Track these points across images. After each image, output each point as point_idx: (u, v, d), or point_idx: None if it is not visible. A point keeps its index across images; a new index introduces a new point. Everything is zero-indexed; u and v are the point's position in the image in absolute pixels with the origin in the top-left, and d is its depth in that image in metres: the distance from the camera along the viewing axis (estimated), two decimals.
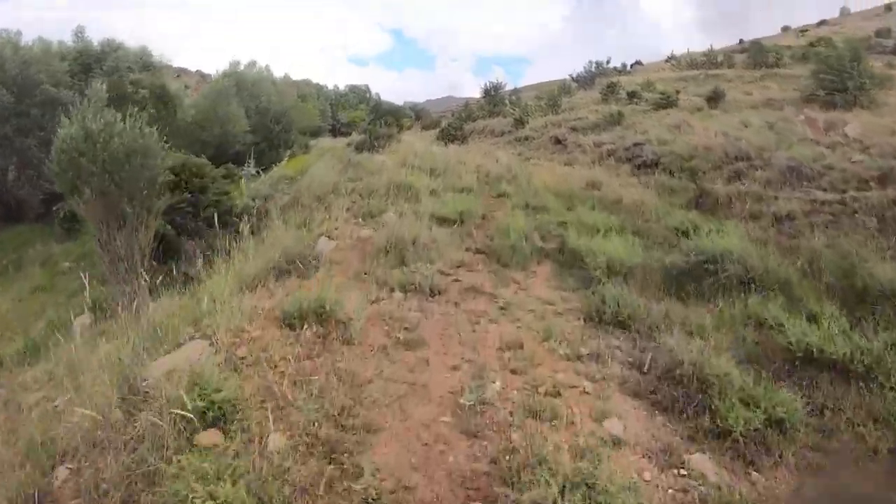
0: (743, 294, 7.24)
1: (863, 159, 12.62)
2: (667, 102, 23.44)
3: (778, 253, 8.65)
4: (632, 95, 26.85)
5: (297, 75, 60.50)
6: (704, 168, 13.55)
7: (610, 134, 20.61)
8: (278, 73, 57.80)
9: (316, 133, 45.78)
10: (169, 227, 13.96)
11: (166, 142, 12.61)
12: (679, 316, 6.85)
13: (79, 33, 30.09)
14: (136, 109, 24.96)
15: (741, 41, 51.96)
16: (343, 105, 60.86)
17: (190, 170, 14.62)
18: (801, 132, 14.46)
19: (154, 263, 12.18)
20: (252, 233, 12.14)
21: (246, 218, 13.39)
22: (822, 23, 55.71)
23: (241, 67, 32.89)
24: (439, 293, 7.36)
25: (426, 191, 11.54)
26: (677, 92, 25.17)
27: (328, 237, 9.31)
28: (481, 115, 37.53)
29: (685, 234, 9.42)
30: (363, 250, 8.63)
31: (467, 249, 8.91)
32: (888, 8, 54.02)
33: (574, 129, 23.20)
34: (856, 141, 13.88)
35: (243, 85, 30.46)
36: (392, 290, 7.36)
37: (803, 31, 53.52)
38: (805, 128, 14.73)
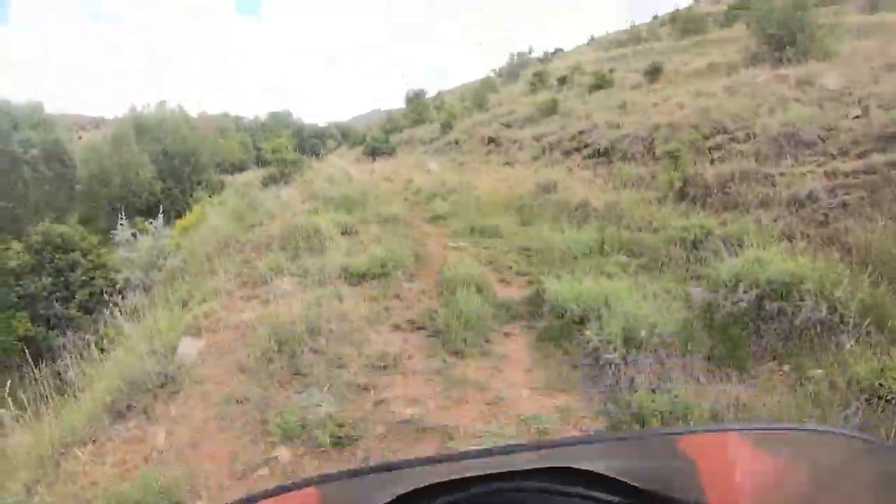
0: (832, 341, 4.41)
1: (860, 114, 10.20)
2: (602, 83, 20.92)
3: (822, 256, 5.86)
4: (562, 81, 24.37)
5: (214, 110, 56.13)
6: (674, 149, 10.83)
7: (548, 125, 17.88)
8: (193, 110, 53.78)
9: (241, 167, 42.20)
10: (30, 323, 10.52)
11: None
12: (758, 403, 3.93)
13: None
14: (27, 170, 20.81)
15: (655, 16, 50.78)
16: (265, 134, 56.87)
17: (53, 244, 11.12)
18: (777, 92, 11.95)
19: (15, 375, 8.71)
20: (135, 316, 9.07)
21: (129, 294, 10.11)
22: None
23: (140, 110, 29.08)
24: (350, 443, 3.92)
25: (338, 231, 8.40)
26: (610, 71, 22.71)
27: (196, 331, 6.08)
28: (406, 124, 34.66)
29: (695, 245, 6.58)
30: (242, 352, 5.41)
31: (396, 328, 5.72)
32: None
33: (506, 125, 20.43)
34: (843, 94, 11.47)
35: (145, 128, 26.70)
36: (273, 443, 4.15)
37: None
38: (780, 86, 12.22)
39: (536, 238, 7.71)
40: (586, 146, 14.02)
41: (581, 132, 14.87)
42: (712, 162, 9.91)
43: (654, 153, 11.63)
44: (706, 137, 10.75)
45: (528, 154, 16.04)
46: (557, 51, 47.64)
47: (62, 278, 11.17)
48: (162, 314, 7.27)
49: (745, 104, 11.91)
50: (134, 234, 11.63)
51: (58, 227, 11.81)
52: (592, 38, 47.10)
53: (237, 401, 4.71)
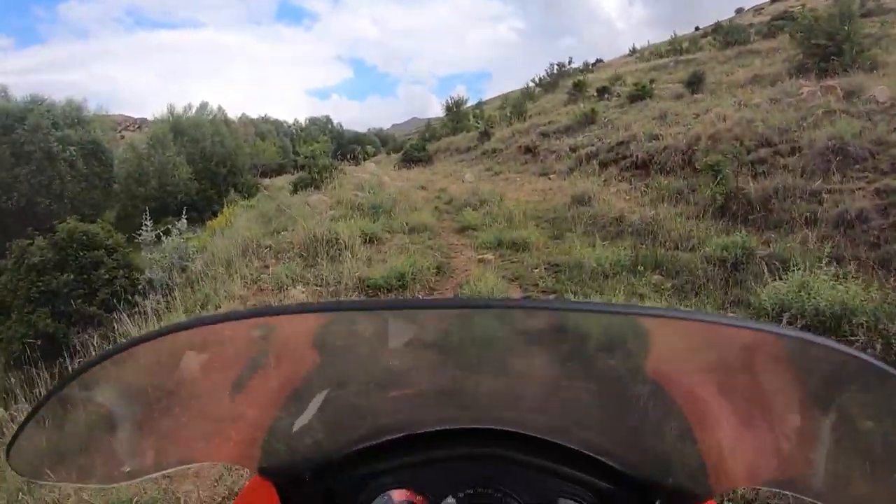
0: None
1: None
2: (642, 93, 20.30)
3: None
4: (602, 92, 23.77)
5: (256, 113, 56.97)
6: (715, 162, 10.29)
7: (586, 135, 17.41)
8: (234, 112, 54.66)
9: (279, 171, 42.66)
10: (49, 319, 10.51)
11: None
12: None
13: (1, 92, 26.62)
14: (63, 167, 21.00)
15: (697, 28, 49.50)
16: (304, 139, 57.44)
17: (79, 241, 11.15)
18: (824, 104, 11.27)
19: (30, 369, 8.73)
20: (158, 316, 8.98)
21: (154, 295, 10.07)
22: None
23: (179, 111, 29.45)
24: None
25: (361, 241, 8.15)
26: (651, 82, 22.08)
27: (203, 345, 5.93)
28: (445, 132, 34.44)
29: (735, 266, 6.10)
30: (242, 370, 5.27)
31: (408, 344, 5.08)
32: None
33: (544, 135, 19.95)
34: (894, 106, 10.76)
35: (182, 130, 27.01)
36: None
37: (759, 9, 51.27)
38: (828, 98, 11.53)
39: (567, 253, 7.30)
40: (624, 157, 13.52)
41: (620, 143, 14.36)
42: (755, 176, 9.35)
43: (693, 165, 11.09)
44: (749, 150, 10.17)
45: (565, 164, 15.59)
46: (598, 62, 46.87)
47: (85, 276, 11.06)
48: (174, 319, 7.16)
49: (789, 116, 11.26)
50: (158, 236, 11.51)
51: (83, 225, 11.74)
52: (633, 49, 46.12)
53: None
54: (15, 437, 0.73)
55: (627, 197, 11.02)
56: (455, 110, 36.26)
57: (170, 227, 11.02)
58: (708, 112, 14.03)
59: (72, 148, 24.16)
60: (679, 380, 0.80)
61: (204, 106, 35.02)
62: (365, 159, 50.27)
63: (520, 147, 20.38)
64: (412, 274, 6.51)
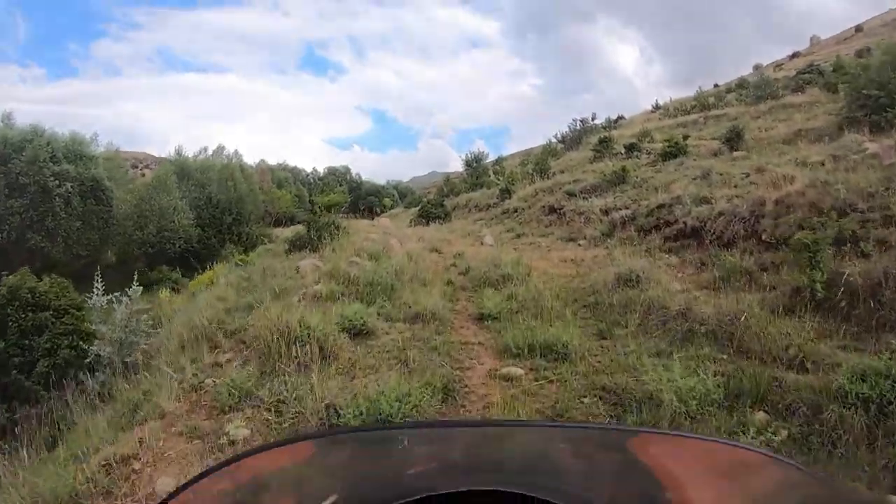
0: None
1: None
2: (675, 150, 18.53)
3: None
4: (630, 148, 22.03)
5: (275, 159, 56.27)
6: (790, 233, 8.31)
7: (618, 196, 15.60)
8: (253, 158, 53.98)
9: (294, 219, 41.51)
10: None
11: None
12: None
13: (4, 119, 25.39)
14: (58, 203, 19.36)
15: (716, 85, 48.24)
16: (322, 189, 56.46)
17: (23, 300, 9.36)
18: None
19: None
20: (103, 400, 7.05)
21: (102, 374, 8.25)
22: (795, 55, 52.31)
23: (191, 152, 28.26)
24: None
25: (346, 336, 6.26)
26: (684, 138, 20.32)
27: (108, 492, 4.02)
28: (464, 188, 32.94)
29: (882, 409, 4.09)
30: None
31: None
32: (858, 29, 50.73)
33: (570, 195, 18.17)
34: None
35: (189, 172, 25.59)
36: None
37: (779, 65, 50.07)
38: None
39: (624, 370, 5.31)
40: (668, 224, 11.59)
41: (660, 206, 12.47)
42: (843, 256, 7.34)
43: (759, 237, 9.15)
44: (831, 219, 8.18)
45: (596, 229, 13.72)
46: (620, 118, 45.50)
47: (26, 342, 9.27)
48: (99, 426, 5.36)
49: (869, 177, 9.33)
50: (112, 300, 9.56)
51: (30, 281, 9.97)
52: (657, 105, 44.86)
53: None
54: None
55: (680, 274, 9.06)
56: (475, 165, 34.85)
57: (125, 292, 9.13)
58: (761, 172, 12.15)
59: (69, 184, 22.78)
60: None
61: (221, 149, 34.10)
62: (382, 211, 49.09)
63: (543, 207, 18.60)
64: (404, 405, 4.51)
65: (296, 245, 12.76)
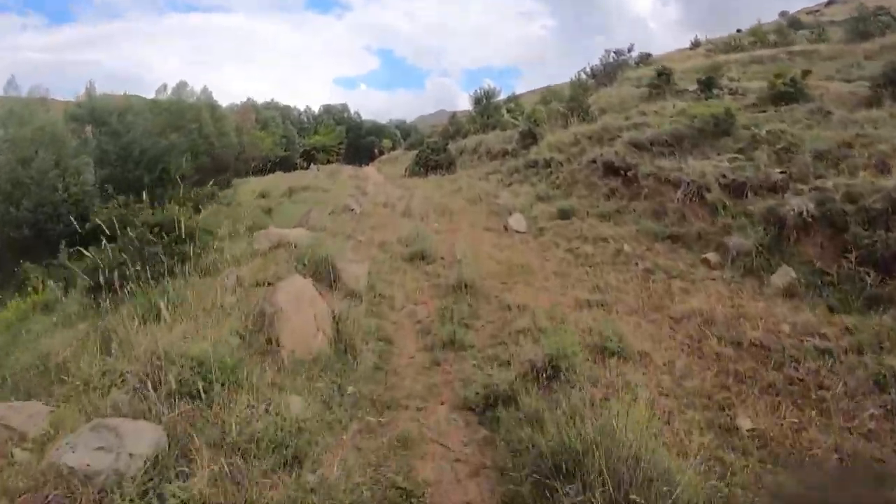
0: None
1: None
2: (794, 92, 12.27)
3: None
4: (706, 85, 15.64)
5: (264, 99, 48.75)
6: None
7: (733, 156, 9.53)
8: (262, 99, 46.40)
9: (282, 164, 35.05)
10: None
11: None
12: None
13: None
14: None
15: (739, 30, 40.84)
16: (316, 129, 49.25)
17: None
18: None
19: None
20: None
21: None
22: (830, 2, 44.58)
23: (123, 91, 21.10)
24: None
25: None
26: (804, 74, 13.81)
27: None
28: (472, 129, 26.46)
29: None
30: None
31: None
32: None
33: (636, 147, 11.98)
34: None
35: (99, 116, 18.43)
36: None
37: (812, 11, 42.59)
38: None
39: None
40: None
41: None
42: None
43: None
44: None
45: (745, 236, 7.67)
46: (647, 55, 38.46)
47: None
48: None
49: None
50: None
51: None
52: (696, 42, 37.73)
53: None
54: None
55: None
56: (485, 102, 28.20)
57: None
58: None
59: None
60: None
61: (182, 86, 27.12)
62: (381, 154, 42.34)
63: (594, 163, 12.39)
64: None
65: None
